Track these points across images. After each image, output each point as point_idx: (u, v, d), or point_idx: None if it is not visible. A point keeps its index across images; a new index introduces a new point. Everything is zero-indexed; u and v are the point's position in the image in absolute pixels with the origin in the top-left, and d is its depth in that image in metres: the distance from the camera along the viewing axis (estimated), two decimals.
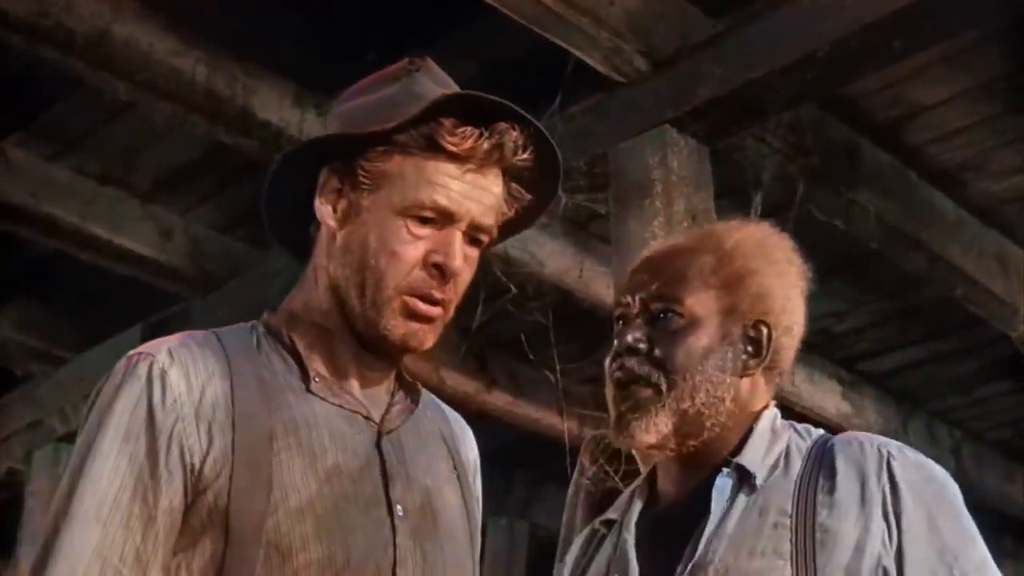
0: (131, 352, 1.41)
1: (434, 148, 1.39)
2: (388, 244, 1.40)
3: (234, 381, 1.38)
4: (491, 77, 3.46)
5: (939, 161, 3.85)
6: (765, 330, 1.58)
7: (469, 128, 1.39)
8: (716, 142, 3.23)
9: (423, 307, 1.41)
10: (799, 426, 1.62)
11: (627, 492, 1.69)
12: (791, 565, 1.43)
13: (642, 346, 1.56)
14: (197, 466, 1.33)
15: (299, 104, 3.53)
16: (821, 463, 1.51)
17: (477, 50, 3.43)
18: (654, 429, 1.54)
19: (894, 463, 1.49)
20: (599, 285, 4.09)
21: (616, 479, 2.68)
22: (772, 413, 1.61)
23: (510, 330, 4.16)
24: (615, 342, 1.60)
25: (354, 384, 1.47)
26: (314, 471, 1.37)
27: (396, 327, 1.41)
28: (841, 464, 1.50)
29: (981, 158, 3.84)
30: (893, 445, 1.53)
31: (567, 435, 3.76)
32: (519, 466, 6.01)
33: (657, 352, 1.55)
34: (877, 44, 2.87)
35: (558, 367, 3.59)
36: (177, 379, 1.37)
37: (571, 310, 3.97)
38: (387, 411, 1.48)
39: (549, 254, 4.04)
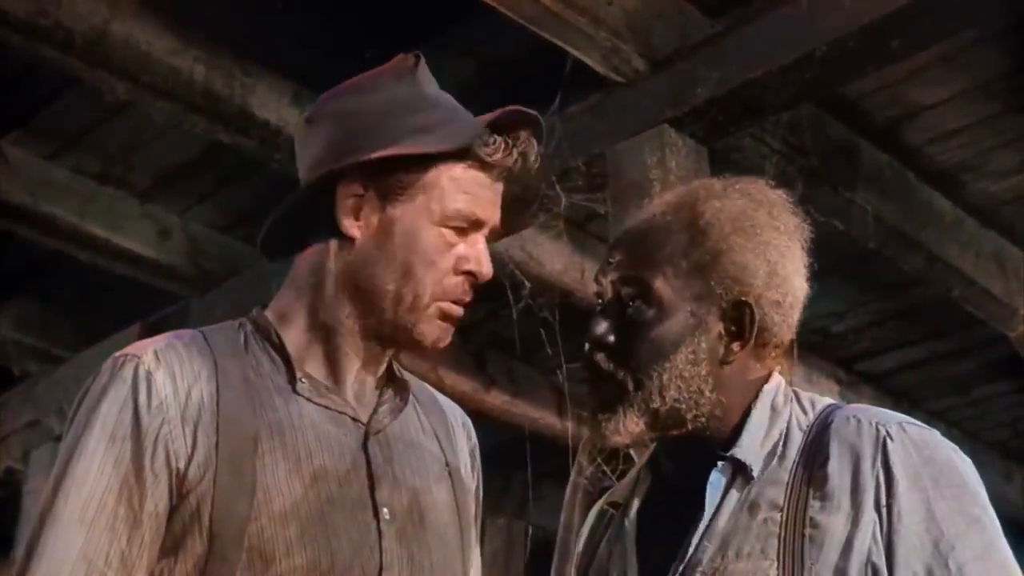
0: (117, 353, 1.41)
1: (468, 157, 1.43)
2: (428, 254, 1.43)
3: (220, 382, 1.38)
4: (490, 77, 3.47)
5: (937, 161, 3.85)
6: (747, 311, 1.48)
7: (498, 138, 1.44)
8: (714, 142, 3.23)
9: (456, 310, 1.46)
10: (804, 397, 1.53)
11: (631, 473, 1.64)
12: (778, 564, 1.37)
13: (610, 339, 1.50)
14: (182, 469, 1.33)
15: (297, 103, 3.52)
16: (817, 446, 1.43)
17: (476, 49, 3.43)
18: (624, 430, 1.48)
19: (890, 445, 1.39)
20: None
21: (614, 479, 2.68)
22: (773, 388, 1.52)
23: (509, 330, 4.15)
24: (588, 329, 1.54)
25: (347, 383, 1.46)
26: (299, 474, 1.36)
27: (432, 331, 1.45)
28: (835, 448, 1.41)
29: (979, 158, 3.84)
30: (894, 422, 1.43)
31: (569, 435, 3.76)
32: (517, 466, 6.01)
33: (624, 346, 1.49)
34: (876, 44, 2.87)
35: (564, 366, 3.58)
36: (163, 381, 1.36)
37: (569, 310, 3.97)
38: (375, 411, 1.48)
39: (547, 253, 4.04)
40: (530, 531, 6.37)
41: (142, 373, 1.36)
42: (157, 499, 1.33)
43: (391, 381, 1.52)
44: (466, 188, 1.44)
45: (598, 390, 1.52)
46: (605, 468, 2.76)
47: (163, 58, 3.28)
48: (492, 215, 1.47)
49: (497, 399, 4.96)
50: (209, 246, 4.41)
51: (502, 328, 4.21)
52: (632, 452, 2.69)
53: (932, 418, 5.45)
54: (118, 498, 1.32)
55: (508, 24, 3.04)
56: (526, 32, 3.06)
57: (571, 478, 2.81)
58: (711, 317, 1.49)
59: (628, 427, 1.48)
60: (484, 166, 1.44)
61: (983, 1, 2.88)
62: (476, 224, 1.46)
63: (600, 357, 1.51)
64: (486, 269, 1.46)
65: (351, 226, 1.45)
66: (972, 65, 3.44)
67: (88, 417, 1.36)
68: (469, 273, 1.45)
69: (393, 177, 1.43)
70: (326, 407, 1.43)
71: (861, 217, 3.67)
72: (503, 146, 1.44)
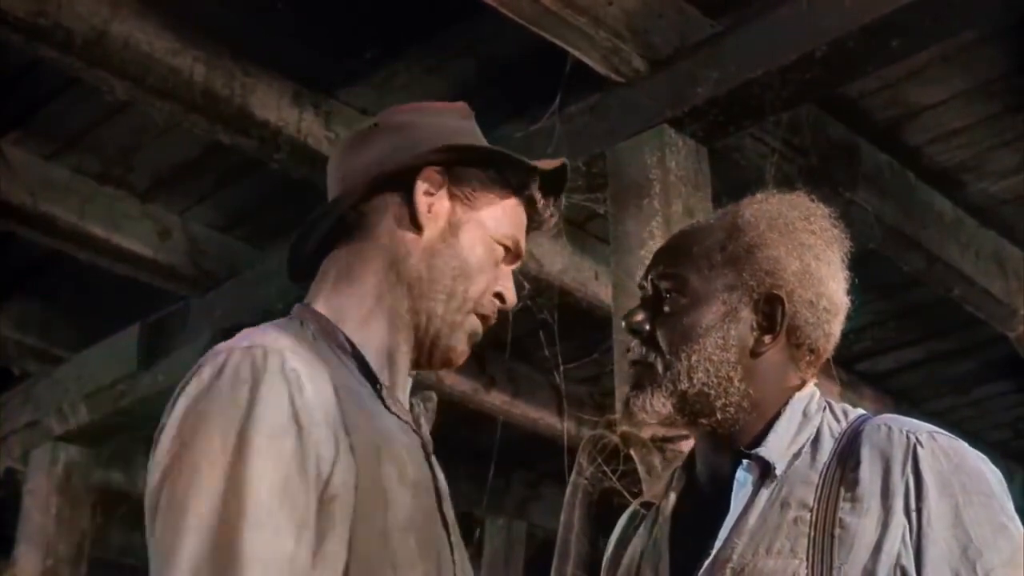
0: (247, 344, 1.29)
1: (522, 197, 1.53)
2: (482, 262, 1.48)
3: (336, 385, 1.31)
4: (490, 77, 3.47)
5: (938, 161, 3.85)
6: (778, 305, 1.52)
7: (543, 194, 1.55)
8: (714, 142, 3.23)
9: (480, 329, 1.50)
10: (837, 407, 1.55)
11: (667, 475, 1.67)
12: (807, 563, 1.39)
13: (645, 328, 1.55)
14: (325, 473, 1.26)
15: (297, 103, 3.52)
16: (849, 451, 1.46)
17: (476, 50, 3.43)
18: (651, 408, 1.51)
19: (920, 452, 1.42)
20: (596, 285, 4.09)
21: (614, 479, 2.68)
22: (807, 395, 1.55)
23: (508, 330, 4.15)
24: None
25: (400, 391, 1.45)
26: (404, 485, 1.33)
27: (460, 343, 1.49)
28: (866, 453, 1.44)
29: (979, 158, 3.84)
30: (924, 431, 1.46)
31: (566, 435, 3.76)
32: (517, 466, 6.01)
33: (657, 333, 1.54)
34: (876, 44, 2.87)
35: (562, 367, 3.58)
36: (307, 380, 1.28)
37: (568, 310, 3.97)
38: (420, 422, 1.46)
39: (547, 253, 4.05)
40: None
41: (290, 369, 1.27)
42: (312, 502, 1.24)
43: (414, 389, 1.50)
44: (518, 221, 1.53)
45: (632, 375, 1.57)
46: (605, 468, 2.75)
47: (163, 58, 3.28)
48: (523, 254, 1.55)
49: (497, 399, 4.96)
50: (209, 246, 4.41)
51: (502, 329, 4.21)
52: (632, 452, 2.69)
53: (932, 418, 5.43)
54: (291, 496, 1.22)
55: (508, 24, 3.04)
56: (526, 32, 3.06)
57: (571, 478, 2.81)
58: (742, 307, 1.53)
59: (655, 406, 1.51)
60: (530, 209, 1.54)
61: (983, 1, 2.88)
62: (517, 253, 1.53)
63: (635, 344, 1.56)
64: (513, 297, 1.52)
65: (424, 216, 1.46)
66: (972, 65, 3.44)
67: (250, 410, 1.24)
68: (500, 297, 1.51)
69: (466, 184, 1.49)
70: (397, 416, 1.40)
71: (861, 217, 3.67)
72: (545, 201, 1.55)
